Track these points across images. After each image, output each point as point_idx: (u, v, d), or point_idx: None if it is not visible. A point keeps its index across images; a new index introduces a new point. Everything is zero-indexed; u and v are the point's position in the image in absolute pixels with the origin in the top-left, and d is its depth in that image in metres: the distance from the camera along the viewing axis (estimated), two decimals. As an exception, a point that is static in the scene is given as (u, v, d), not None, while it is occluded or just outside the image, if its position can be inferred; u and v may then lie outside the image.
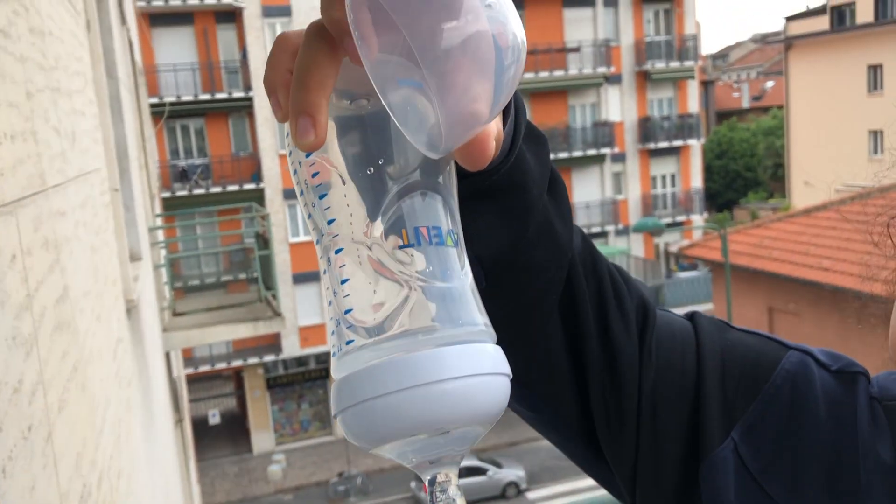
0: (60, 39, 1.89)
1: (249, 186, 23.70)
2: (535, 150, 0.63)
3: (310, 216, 0.50)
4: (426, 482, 0.47)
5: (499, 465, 19.99)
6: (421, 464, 0.46)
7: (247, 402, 24.60)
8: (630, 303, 0.73)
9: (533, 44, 25.54)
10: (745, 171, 44.83)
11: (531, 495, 19.92)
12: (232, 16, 23.84)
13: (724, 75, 60.55)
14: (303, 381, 24.92)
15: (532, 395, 0.73)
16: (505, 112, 0.57)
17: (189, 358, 21.84)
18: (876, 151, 28.66)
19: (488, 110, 0.43)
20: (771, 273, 13.86)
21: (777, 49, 50.39)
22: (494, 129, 0.48)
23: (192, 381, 22.39)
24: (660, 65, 27.73)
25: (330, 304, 0.49)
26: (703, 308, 22.92)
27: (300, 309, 23.58)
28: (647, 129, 28.11)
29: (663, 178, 28.95)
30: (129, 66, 6.79)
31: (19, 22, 1.29)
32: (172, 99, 22.41)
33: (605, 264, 0.73)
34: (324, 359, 24.52)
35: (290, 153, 0.50)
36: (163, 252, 8.40)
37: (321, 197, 0.49)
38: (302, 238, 23.60)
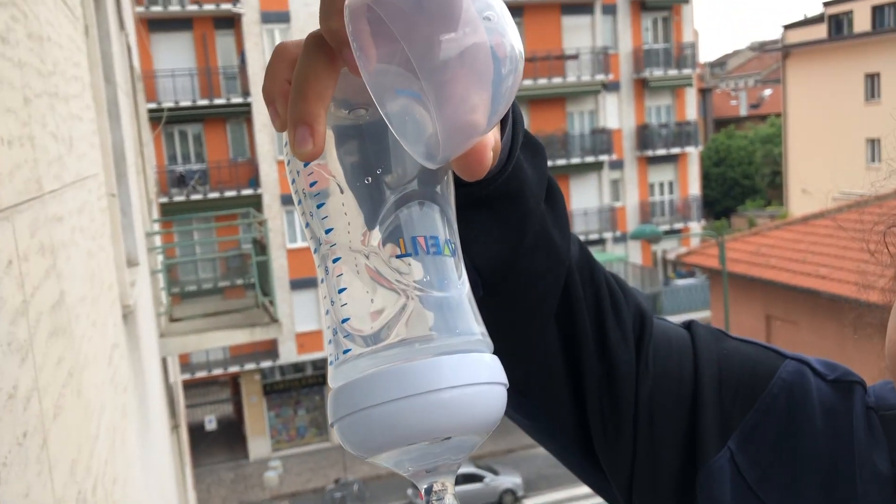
0: (59, 45, 1.90)
1: (247, 192, 23.69)
2: (533, 160, 0.63)
3: (308, 225, 0.50)
4: (422, 491, 0.47)
5: (495, 473, 19.95)
6: (417, 472, 0.46)
7: (243, 408, 24.54)
8: (627, 311, 0.73)
9: (531, 51, 25.60)
10: (742, 178, 44.93)
11: (528, 503, 19.88)
12: (230, 22, 23.86)
13: (722, 83, 60.73)
14: (299, 387, 24.88)
15: (529, 404, 0.73)
16: (502, 122, 0.58)
17: (186, 363, 21.78)
18: (873, 160, 28.73)
19: (486, 120, 0.43)
20: (768, 281, 13.87)
21: (775, 57, 50.52)
22: (492, 139, 0.48)
23: (189, 386, 22.34)
24: (658, 72, 27.80)
25: (327, 312, 0.49)
26: (701, 315, 22.94)
27: (297, 315, 23.55)
28: (645, 136, 28.16)
29: (661, 185, 28.99)
30: (127, 72, 6.79)
31: (18, 27, 1.29)
32: (171, 104, 22.41)
33: (602, 273, 0.73)
34: (320, 365, 24.48)
35: (289, 162, 0.50)
36: (160, 257, 8.39)
37: (319, 206, 0.49)
38: (299, 244, 23.59)
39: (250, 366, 23.73)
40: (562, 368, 0.71)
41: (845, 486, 0.67)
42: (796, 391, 0.71)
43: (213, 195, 23.47)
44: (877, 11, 31.62)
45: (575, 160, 27.02)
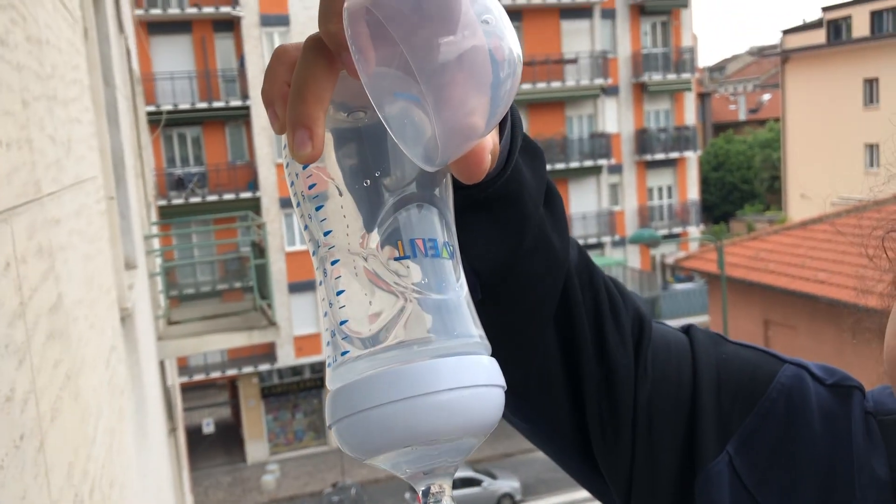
0: (58, 48, 1.90)
1: (246, 195, 23.69)
2: (531, 163, 0.63)
3: (306, 227, 0.50)
4: (420, 493, 0.47)
5: (493, 477, 19.92)
6: (415, 475, 0.46)
7: (241, 412, 24.51)
8: (626, 315, 0.73)
9: (530, 55, 25.63)
10: (741, 183, 44.99)
11: (526, 507, 19.87)
12: (230, 25, 23.88)
13: (721, 88, 60.81)
14: (297, 390, 24.86)
15: (527, 407, 0.73)
16: (501, 125, 0.58)
17: (183, 367, 21.76)
18: (872, 165, 28.77)
19: (484, 123, 0.43)
20: (767, 285, 13.88)
21: (774, 62, 50.64)
22: (490, 142, 0.48)
23: (187, 389, 22.32)
24: (657, 77, 27.84)
25: (326, 314, 0.49)
26: (699, 320, 22.93)
27: (295, 318, 23.54)
28: (643, 140, 28.20)
29: (660, 189, 29.02)
30: (126, 75, 6.80)
31: (16, 31, 1.29)
32: (170, 107, 22.41)
33: (601, 276, 0.73)
34: (319, 368, 24.46)
35: (288, 164, 0.50)
36: (158, 260, 8.38)
37: (318, 208, 0.49)
38: (298, 247, 23.58)
39: (248, 369, 23.70)
40: (560, 372, 0.71)
41: (843, 490, 0.67)
42: (795, 396, 0.71)
43: (212, 198, 23.46)
44: (875, 17, 31.68)
45: (574, 164, 27.05)
